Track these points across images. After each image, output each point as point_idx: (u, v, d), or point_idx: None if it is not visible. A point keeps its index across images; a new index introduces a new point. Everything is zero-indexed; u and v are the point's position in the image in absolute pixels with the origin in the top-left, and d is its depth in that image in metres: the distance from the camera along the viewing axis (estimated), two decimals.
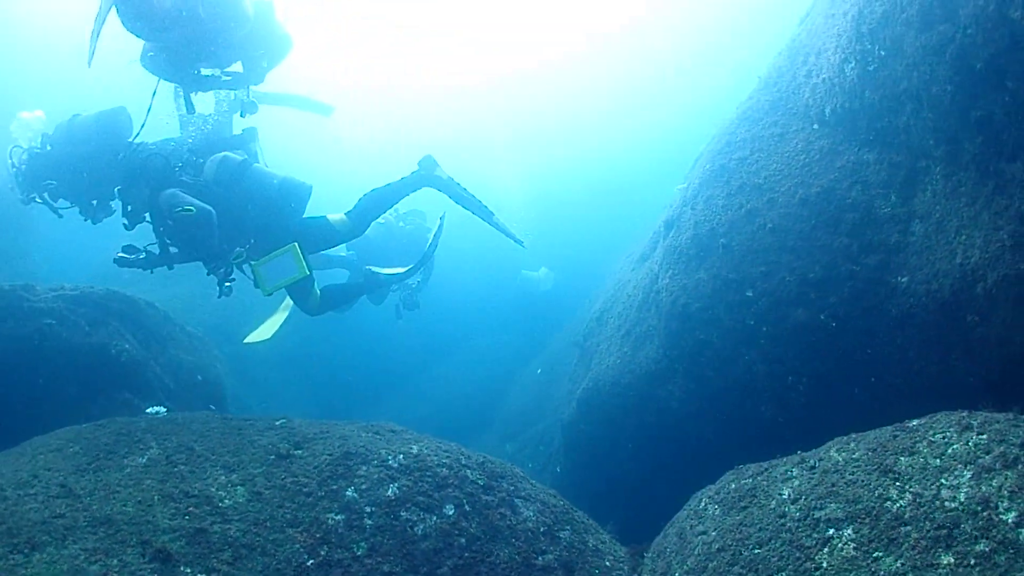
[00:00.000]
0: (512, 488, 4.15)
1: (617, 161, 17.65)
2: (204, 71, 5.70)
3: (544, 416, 8.17)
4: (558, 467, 6.84)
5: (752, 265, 4.68)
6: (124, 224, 5.82)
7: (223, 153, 5.91)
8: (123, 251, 5.55)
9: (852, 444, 3.43)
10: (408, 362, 12.32)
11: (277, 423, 4.44)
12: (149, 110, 5.63)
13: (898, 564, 2.79)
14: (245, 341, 7.99)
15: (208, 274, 5.72)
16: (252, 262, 5.75)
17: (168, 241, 5.61)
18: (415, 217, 9.55)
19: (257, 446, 4.11)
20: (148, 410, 4.95)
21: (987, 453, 3.00)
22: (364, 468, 3.92)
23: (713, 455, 5.37)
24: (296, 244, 5.70)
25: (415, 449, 4.14)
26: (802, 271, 4.45)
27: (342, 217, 6.26)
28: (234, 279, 5.76)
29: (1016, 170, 3.45)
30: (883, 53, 3.86)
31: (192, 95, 5.80)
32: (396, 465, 3.97)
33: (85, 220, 6.05)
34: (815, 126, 4.62)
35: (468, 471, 4.10)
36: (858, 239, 4.25)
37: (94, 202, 5.93)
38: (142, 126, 5.70)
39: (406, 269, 6.88)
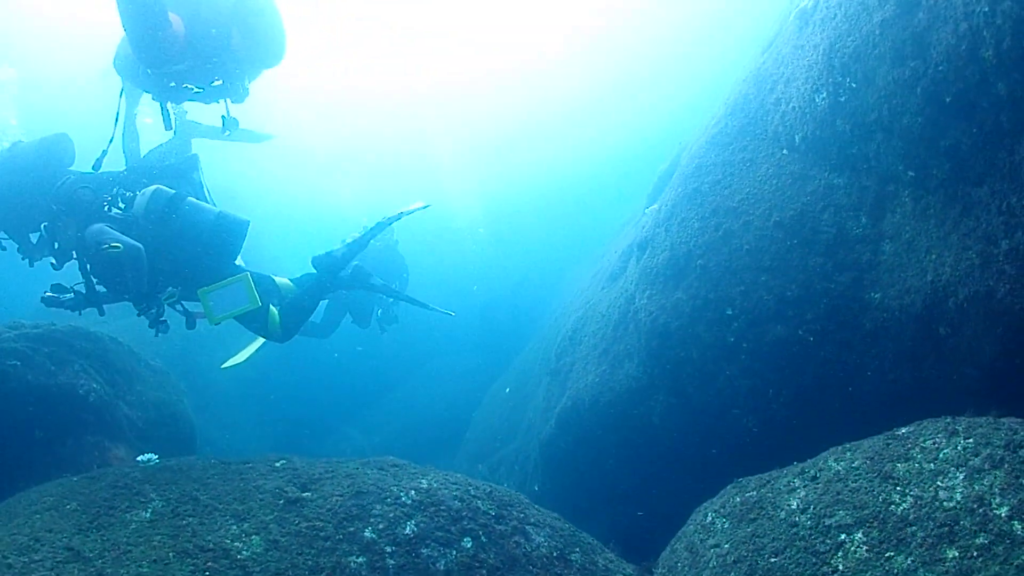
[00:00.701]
0: (522, 515, 4.28)
1: (570, 170, 18.10)
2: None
3: (516, 435, 8.31)
4: (536, 485, 6.98)
5: (731, 285, 4.96)
6: (52, 264, 5.53)
7: (155, 186, 5.63)
8: (51, 290, 5.31)
9: (848, 454, 3.71)
10: (367, 386, 12.35)
11: (277, 464, 4.43)
12: (117, 117, 5.49)
13: (908, 561, 3.07)
14: (223, 367, 7.90)
15: (138, 315, 5.46)
16: (200, 290, 5.49)
17: (95, 280, 5.34)
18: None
19: (264, 491, 4.09)
20: (139, 458, 4.83)
21: (975, 455, 3.32)
22: (379, 507, 3.96)
23: (697, 468, 5.65)
24: (248, 274, 5.53)
25: (424, 483, 4.21)
26: (779, 290, 4.75)
27: (276, 317, 5.95)
28: (164, 320, 5.50)
29: (982, 194, 3.81)
30: (854, 85, 4.20)
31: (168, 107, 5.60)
32: (409, 501, 4.04)
33: (23, 259, 5.71)
34: (784, 151, 4.95)
35: (479, 502, 4.20)
36: (832, 258, 4.58)
37: (33, 238, 5.61)
38: (110, 140, 5.59)
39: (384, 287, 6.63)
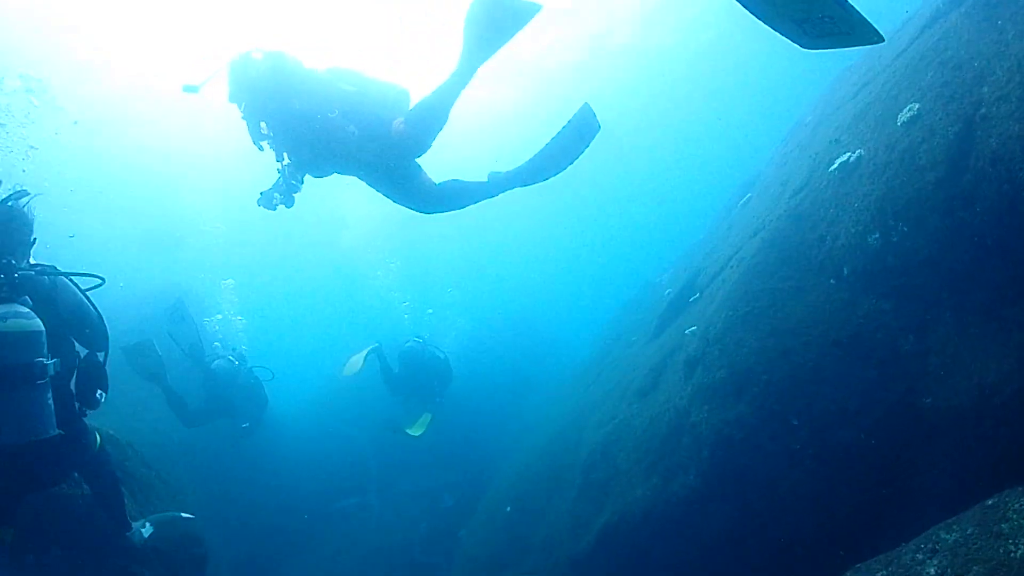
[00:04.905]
0: None
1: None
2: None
3: (529, 555, 9.06)
4: None
5: (795, 398, 6.39)
6: None
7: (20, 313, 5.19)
8: None
9: (956, 527, 5.09)
10: (321, 510, 13.26)
11: None
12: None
13: None
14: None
15: None
16: None
17: None
18: None
19: None
20: None
21: None
22: None
23: (755, 571, 6.82)
24: None
25: None
26: (841, 401, 6.24)
27: None
28: None
29: (1015, 314, 5.56)
30: (906, 229, 5.95)
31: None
32: None
33: None
34: (832, 281, 6.61)
35: None
36: (886, 371, 6.15)
37: None
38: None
39: None
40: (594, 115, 6.02)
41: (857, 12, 3.37)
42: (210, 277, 22.10)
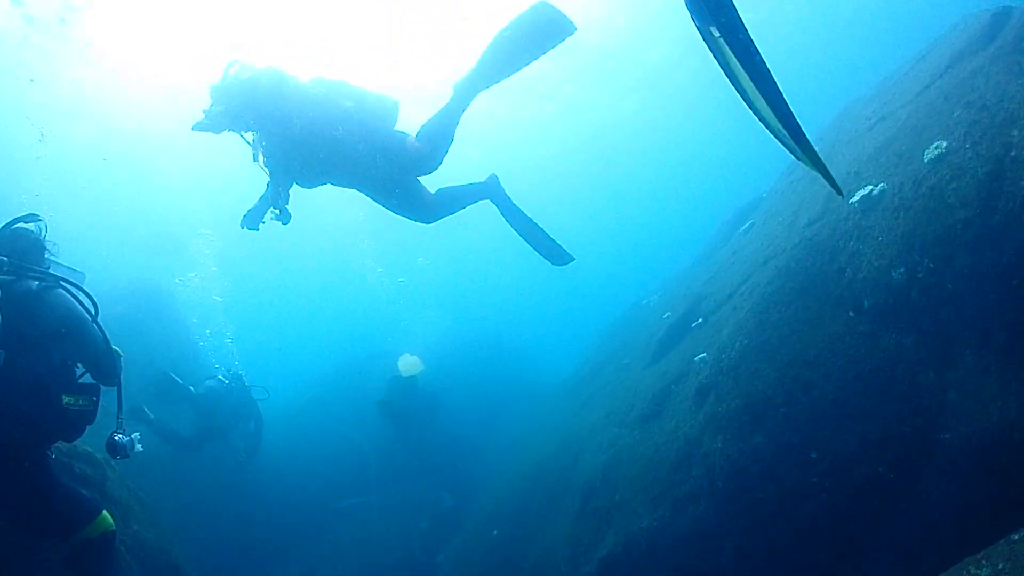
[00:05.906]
0: None
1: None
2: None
3: None
4: None
5: (815, 429, 6.50)
6: None
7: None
8: None
9: (985, 561, 5.22)
10: (298, 522, 13.28)
11: None
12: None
13: None
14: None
15: None
16: None
17: None
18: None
19: None
20: None
21: None
22: None
23: None
24: None
25: None
26: (862, 433, 6.36)
27: None
28: None
29: None
30: (932, 265, 6.11)
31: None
32: None
33: None
34: (851, 314, 6.75)
35: None
36: (906, 405, 6.29)
37: None
38: None
39: None
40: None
41: (809, 148, 3.10)
42: (186, 229, 21.79)
